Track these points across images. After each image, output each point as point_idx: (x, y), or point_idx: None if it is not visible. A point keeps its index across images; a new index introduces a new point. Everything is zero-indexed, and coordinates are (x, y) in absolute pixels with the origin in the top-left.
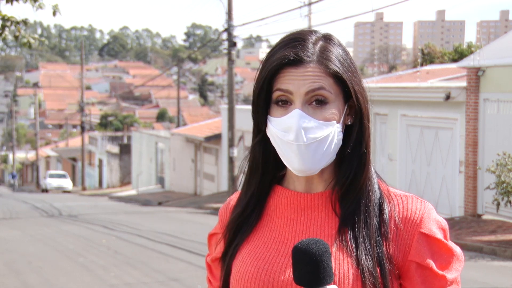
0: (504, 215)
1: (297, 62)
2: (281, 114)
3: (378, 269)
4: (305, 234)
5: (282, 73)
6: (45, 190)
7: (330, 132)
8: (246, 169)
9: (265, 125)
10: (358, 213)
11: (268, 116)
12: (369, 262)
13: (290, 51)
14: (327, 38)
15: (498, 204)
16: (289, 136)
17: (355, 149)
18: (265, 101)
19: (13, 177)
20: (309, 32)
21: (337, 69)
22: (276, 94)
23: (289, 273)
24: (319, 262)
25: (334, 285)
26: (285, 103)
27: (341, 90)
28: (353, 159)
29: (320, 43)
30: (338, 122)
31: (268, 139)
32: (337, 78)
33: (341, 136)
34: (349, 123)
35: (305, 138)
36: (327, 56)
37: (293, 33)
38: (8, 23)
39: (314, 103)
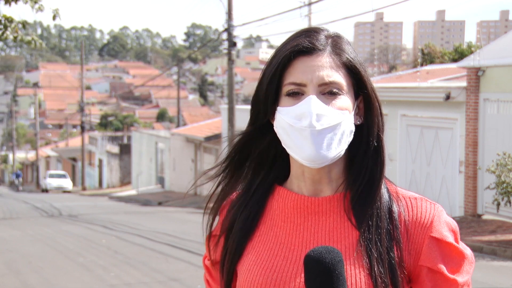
0: (504, 215)
1: (311, 50)
2: (293, 104)
3: (389, 276)
4: (313, 240)
5: (294, 63)
6: (45, 190)
7: (343, 120)
8: (236, 163)
9: (268, 116)
10: (369, 218)
11: (277, 107)
12: (381, 269)
13: (304, 39)
14: (338, 36)
15: (498, 204)
16: (302, 123)
17: (368, 149)
18: (275, 90)
19: (17, 176)
20: (320, 28)
21: (351, 59)
22: (288, 88)
23: (298, 281)
24: (332, 272)
25: None
26: (297, 94)
27: (352, 84)
28: (366, 159)
29: (332, 37)
30: (350, 113)
31: (265, 134)
32: (350, 70)
33: (353, 128)
34: (358, 123)
35: (318, 124)
36: (340, 47)
37: (305, 28)
38: (9, 24)
39: (327, 93)
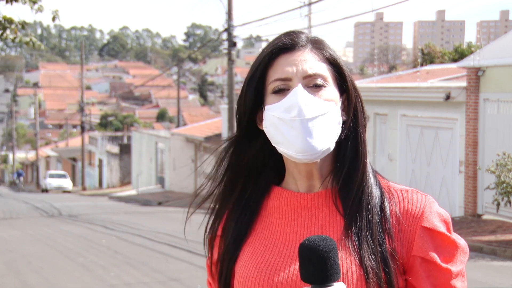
0: (504, 215)
1: (292, 46)
2: (279, 100)
3: (382, 267)
4: (306, 234)
5: (277, 60)
6: (45, 190)
7: (330, 110)
8: (229, 170)
9: (250, 115)
10: (360, 211)
11: (265, 107)
12: (372, 261)
13: (285, 37)
14: (318, 38)
15: (498, 204)
16: (291, 114)
17: (349, 142)
18: (255, 89)
19: (19, 175)
20: (301, 31)
21: (333, 54)
22: (273, 85)
23: (292, 275)
24: (326, 259)
25: (342, 283)
26: (283, 90)
27: (336, 78)
28: (347, 153)
29: (313, 38)
30: (337, 105)
31: (253, 142)
32: (332, 65)
33: (341, 120)
34: (344, 118)
35: (307, 112)
36: (321, 44)
37: (286, 31)
38: (8, 24)
39: (312, 86)
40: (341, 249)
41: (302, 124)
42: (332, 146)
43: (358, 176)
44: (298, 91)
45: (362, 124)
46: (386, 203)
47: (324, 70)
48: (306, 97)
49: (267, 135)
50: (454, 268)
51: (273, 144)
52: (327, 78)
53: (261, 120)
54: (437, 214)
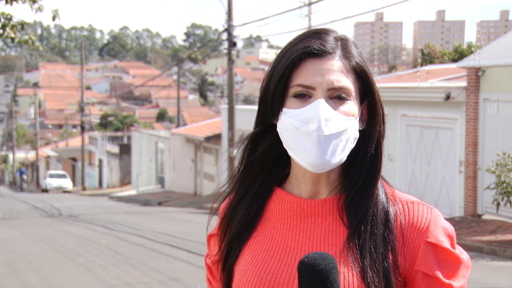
0: (504, 215)
1: (321, 53)
2: (299, 106)
3: (384, 283)
4: (308, 242)
5: (304, 64)
6: (45, 190)
7: (349, 127)
8: (242, 165)
9: (275, 116)
10: (365, 223)
11: (283, 109)
12: (374, 276)
13: (315, 41)
14: (346, 38)
15: (498, 204)
16: (309, 127)
17: (366, 154)
18: (282, 91)
19: (21, 173)
20: (329, 29)
21: (361, 64)
22: (295, 89)
23: (293, 285)
24: (326, 279)
25: None
26: (304, 96)
27: (359, 90)
28: (363, 164)
29: (341, 40)
30: (356, 119)
31: (268, 135)
32: (358, 75)
33: (357, 135)
34: (360, 128)
35: (326, 129)
36: (349, 51)
37: (314, 28)
38: (7, 22)
39: (335, 98)
40: (342, 261)
41: (319, 140)
42: (344, 159)
43: (371, 189)
44: (321, 105)
45: (382, 137)
46: (391, 214)
47: (350, 82)
48: (327, 112)
49: (280, 137)
50: (456, 283)
51: (285, 147)
52: (351, 91)
53: (278, 118)
54: (442, 229)
